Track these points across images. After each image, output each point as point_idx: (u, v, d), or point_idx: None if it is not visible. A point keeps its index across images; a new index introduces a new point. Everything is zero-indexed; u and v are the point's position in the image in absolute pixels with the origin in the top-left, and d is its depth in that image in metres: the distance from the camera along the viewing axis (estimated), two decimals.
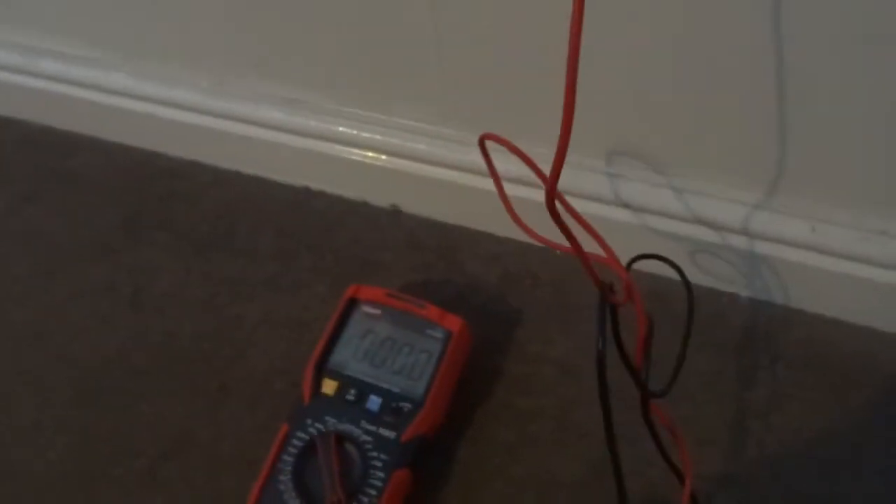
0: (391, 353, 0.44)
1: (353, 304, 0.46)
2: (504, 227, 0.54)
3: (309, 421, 0.41)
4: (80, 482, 0.44)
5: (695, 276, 0.50)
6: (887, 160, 0.41)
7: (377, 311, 0.45)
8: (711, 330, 0.48)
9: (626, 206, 0.48)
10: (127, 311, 0.51)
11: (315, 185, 0.57)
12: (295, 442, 0.41)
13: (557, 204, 0.25)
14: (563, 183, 0.49)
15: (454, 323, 0.44)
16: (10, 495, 0.44)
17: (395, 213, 0.56)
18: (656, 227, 0.48)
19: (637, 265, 0.49)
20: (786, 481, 0.42)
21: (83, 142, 0.63)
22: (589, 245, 0.29)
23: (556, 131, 0.23)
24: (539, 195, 0.26)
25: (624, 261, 0.32)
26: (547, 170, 0.25)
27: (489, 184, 0.51)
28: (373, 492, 0.39)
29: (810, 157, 0.43)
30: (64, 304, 0.52)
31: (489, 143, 0.30)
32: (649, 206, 0.48)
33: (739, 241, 0.47)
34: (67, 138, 0.63)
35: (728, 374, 0.46)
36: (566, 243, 0.27)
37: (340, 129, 0.54)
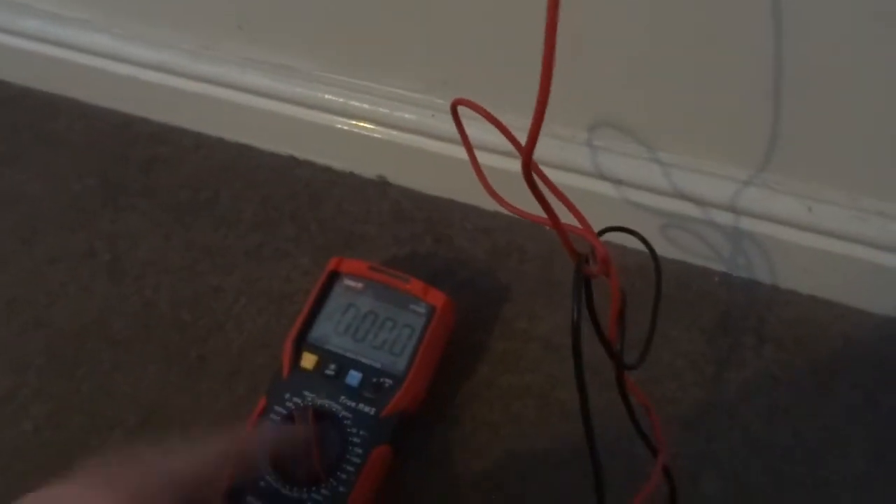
0: (373, 328, 0.43)
1: (334, 277, 0.45)
2: (492, 201, 0.52)
3: (287, 395, 0.41)
4: (57, 452, 0.44)
5: (683, 255, 0.50)
6: (886, 140, 0.40)
7: (359, 285, 0.44)
8: (699, 309, 0.48)
9: (610, 179, 0.47)
10: (105, 279, 0.50)
11: (301, 154, 0.56)
12: (273, 417, 0.40)
13: (534, 174, 0.24)
14: (545, 154, 0.48)
15: (438, 298, 0.43)
16: None
17: (381, 185, 0.54)
18: (640, 202, 0.47)
19: (625, 242, 0.49)
20: (770, 463, 0.42)
21: (64, 104, 0.61)
22: (568, 217, 0.28)
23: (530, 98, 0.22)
24: (517, 165, 0.25)
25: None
26: (524, 139, 0.24)
27: (478, 155, 0.50)
28: (351, 468, 0.38)
29: (807, 134, 0.41)
30: (42, 270, 0.51)
31: (464, 111, 0.29)
32: (634, 180, 0.47)
33: (729, 219, 0.46)
34: (48, 100, 0.62)
35: (714, 354, 0.46)
36: (544, 215, 0.26)
37: (328, 97, 0.52)
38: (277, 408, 0.40)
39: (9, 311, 0.49)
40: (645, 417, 0.36)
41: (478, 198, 0.53)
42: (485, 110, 0.30)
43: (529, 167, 0.25)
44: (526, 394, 0.45)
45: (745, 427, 0.43)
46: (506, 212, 0.52)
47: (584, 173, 0.47)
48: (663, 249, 0.50)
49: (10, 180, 0.56)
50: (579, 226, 0.29)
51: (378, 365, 0.41)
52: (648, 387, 0.44)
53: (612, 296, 0.30)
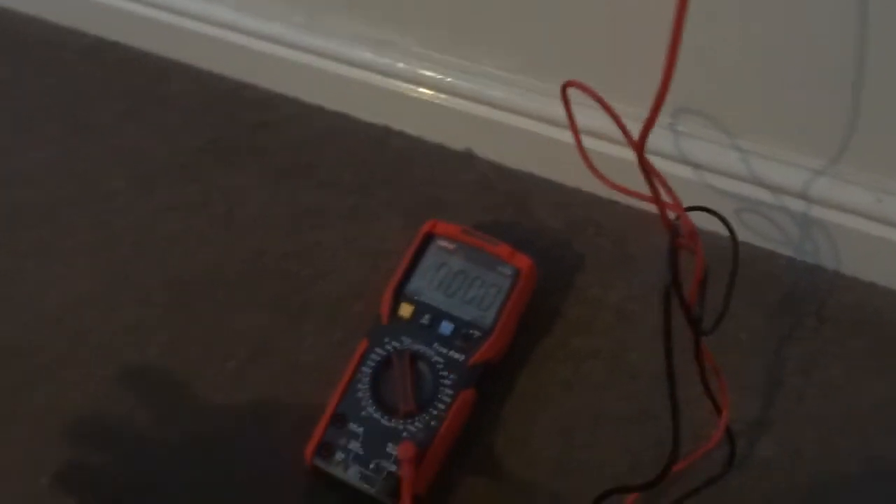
0: (463, 285, 0.47)
1: (429, 237, 0.50)
2: (572, 178, 0.56)
3: (387, 339, 0.46)
4: (178, 377, 0.49)
5: (751, 237, 0.53)
6: None
7: (452, 246, 0.49)
8: (763, 289, 0.51)
9: (689, 163, 0.50)
10: (219, 228, 0.56)
11: (395, 125, 0.61)
12: (373, 357, 0.45)
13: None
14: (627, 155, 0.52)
15: (523, 262, 0.47)
16: (115, 381, 0.50)
17: (468, 157, 0.59)
18: (717, 185, 0.50)
19: (699, 225, 0.52)
20: (822, 434, 0.45)
21: (177, 68, 0.67)
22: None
23: (637, 86, 0.26)
24: (607, 147, 0.29)
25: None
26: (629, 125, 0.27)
27: (562, 134, 0.54)
28: (441, 406, 0.43)
29: (881, 127, 0.44)
30: (161, 217, 0.57)
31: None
32: (712, 164, 0.50)
33: (800, 206, 0.49)
34: (162, 63, 0.67)
35: (775, 331, 0.49)
36: (630, 192, 0.30)
37: (425, 72, 0.57)
38: (377, 349, 0.45)
39: (134, 252, 0.55)
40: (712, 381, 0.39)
41: (558, 173, 0.57)
42: (595, 93, 0.34)
43: (643, 150, 0.29)
44: (596, 355, 0.49)
45: (802, 399, 0.47)
46: (583, 188, 0.56)
47: (665, 156, 0.50)
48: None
49: (130, 136, 0.62)
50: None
51: (468, 318, 0.46)
52: (709, 350, 0.48)
53: (696, 264, 0.34)
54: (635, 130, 0.44)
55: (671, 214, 0.34)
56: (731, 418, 0.45)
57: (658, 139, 0.50)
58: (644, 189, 0.34)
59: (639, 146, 0.29)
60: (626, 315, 0.51)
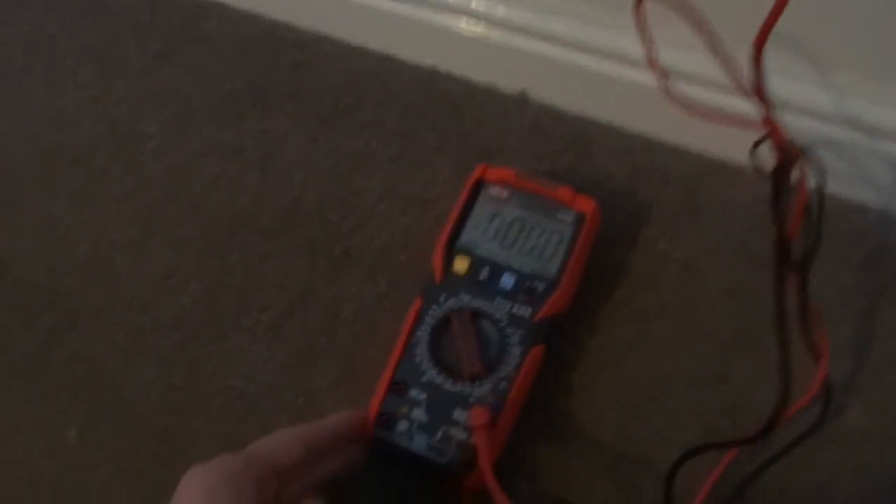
0: (521, 234, 0.43)
1: (480, 184, 0.46)
2: (637, 122, 0.51)
3: (443, 297, 0.42)
4: (213, 326, 0.47)
5: (840, 189, 0.47)
6: None
7: (505, 193, 0.45)
8: (852, 244, 0.46)
9: (780, 103, 0.45)
10: (255, 174, 0.53)
11: (443, 66, 0.56)
12: (429, 317, 0.41)
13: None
14: (711, 71, 0.47)
15: (587, 205, 0.43)
16: (149, 330, 0.47)
17: (522, 100, 0.54)
18: (808, 128, 0.45)
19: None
20: None
21: (214, 8, 0.63)
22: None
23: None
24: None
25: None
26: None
27: (626, 72, 0.49)
28: (510, 366, 0.39)
29: None
30: (195, 162, 0.54)
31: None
32: (803, 104, 0.45)
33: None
34: (198, 4, 0.64)
35: (866, 288, 0.44)
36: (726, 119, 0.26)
37: (472, 5, 0.52)
38: (433, 309, 0.41)
39: (166, 198, 0.52)
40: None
41: (620, 117, 0.52)
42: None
43: (759, 56, 0.25)
44: (664, 313, 0.45)
45: (894, 362, 0.42)
46: (648, 134, 0.52)
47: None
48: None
49: (165, 76, 0.59)
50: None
51: (529, 270, 0.42)
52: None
53: (799, 192, 0.30)
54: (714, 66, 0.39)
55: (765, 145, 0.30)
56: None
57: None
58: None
59: (756, 50, 0.25)
60: (696, 271, 0.46)
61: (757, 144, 0.31)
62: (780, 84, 0.45)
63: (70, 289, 0.49)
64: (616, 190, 0.49)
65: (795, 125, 0.46)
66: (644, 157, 0.51)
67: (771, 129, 0.28)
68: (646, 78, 0.49)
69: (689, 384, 0.42)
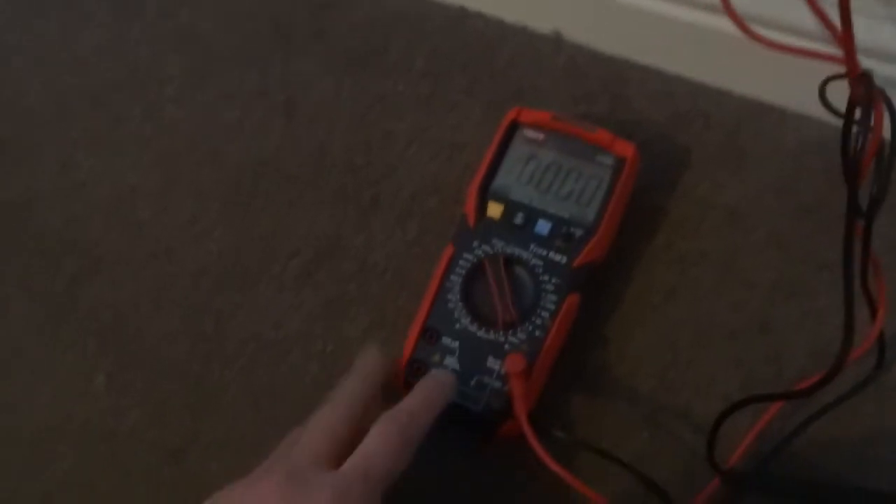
0: (557, 179, 0.41)
1: (514, 126, 0.44)
2: (676, 63, 0.49)
3: (476, 243, 0.40)
4: (241, 276, 0.46)
5: None
6: None
7: (541, 135, 0.43)
8: None
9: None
10: (279, 118, 0.51)
11: (472, 5, 0.54)
12: (462, 263, 0.40)
13: None
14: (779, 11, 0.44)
15: (626, 148, 0.41)
16: (174, 277, 0.46)
17: (555, 40, 0.52)
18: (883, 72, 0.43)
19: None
20: None
21: None
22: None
23: None
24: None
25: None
26: None
27: (666, 9, 0.47)
28: (545, 314, 0.38)
29: None
30: (217, 106, 0.52)
31: None
32: (881, 45, 0.42)
33: None
34: None
35: None
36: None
37: None
38: (466, 255, 0.40)
39: (188, 143, 0.51)
40: None
41: (659, 59, 0.49)
42: None
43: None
44: (704, 260, 0.43)
45: None
46: (689, 75, 0.49)
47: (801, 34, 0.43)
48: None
49: (185, 19, 0.57)
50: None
51: (566, 215, 0.40)
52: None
53: (875, 132, 0.28)
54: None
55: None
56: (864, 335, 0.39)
57: (800, 14, 0.43)
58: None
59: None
60: (739, 217, 0.44)
61: (827, 82, 0.29)
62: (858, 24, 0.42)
63: (92, 235, 0.48)
64: (655, 134, 0.47)
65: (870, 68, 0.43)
66: (684, 101, 0.48)
67: (850, 64, 0.26)
68: (687, 16, 0.46)
69: (729, 334, 0.41)
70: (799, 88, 0.44)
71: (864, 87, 0.25)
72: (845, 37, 0.25)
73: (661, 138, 0.47)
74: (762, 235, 0.44)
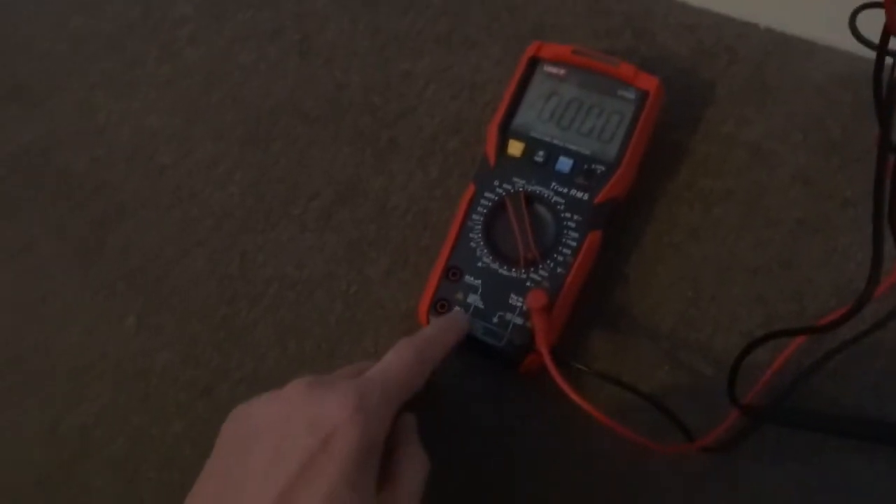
0: (579, 115, 0.41)
1: (535, 62, 0.43)
2: None
3: (497, 182, 0.40)
4: (263, 217, 0.46)
5: None
6: None
7: (562, 71, 0.42)
8: None
9: None
10: (295, 58, 0.50)
11: None
12: (483, 202, 0.40)
13: None
14: None
15: (650, 82, 0.41)
16: (197, 220, 0.47)
17: None
18: None
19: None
20: None
21: None
22: None
23: None
24: None
25: None
26: None
27: None
28: (567, 251, 0.38)
29: None
30: (232, 47, 0.52)
31: None
32: None
33: None
34: None
35: None
36: None
37: None
38: (487, 194, 0.40)
39: (206, 84, 0.51)
40: None
41: None
42: None
43: None
44: (729, 198, 0.43)
45: None
46: (714, 8, 0.48)
47: None
48: None
49: None
50: None
51: (588, 152, 0.40)
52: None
53: None
54: None
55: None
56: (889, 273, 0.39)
57: None
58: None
59: None
60: (764, 154, 0.44)
61: (859, 11, 0.28)
62: None
63: (116, 179, 0.48)
64: (679, 69, 0.46)
65: None
66: (709, 35, 0.47)
67: None
68: None
69: (752, 271, 0.41)
70: (828, 19, 0.43)
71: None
72: None
73: (685, 73, 0.46)
74: (787, 172, 0.43)
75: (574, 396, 0.34)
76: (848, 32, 0.32)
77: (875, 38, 0.26)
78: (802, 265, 0.41)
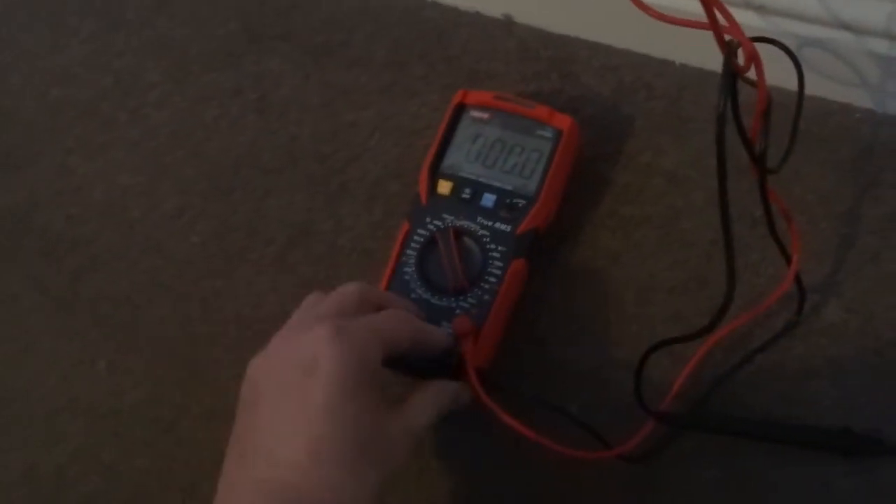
0: (502, 154, 0.45)
1: (461, 108, 0.47)
2: (621, 38, 0.52)
3: (428, 219, 0.44)
4: (222, 262, 0.50)
5: (820, 90, 0.47)
6: None
7: (485, 115, 0.46)
8: (835, 146, 0.46)
9: (752, 6, 0.45)
10: (253, 115, 0.55)
11: None
12: (416, 238, 0.44)
13: None
14: None
15: (563, 121, 0.44)
16: (163, 269, 0.50)
17: (507, 23, 0.54)
18: (789, 29, 0.45)
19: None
20: None
21: None
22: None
23: None
24: None
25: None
26: None
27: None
28: (492, 279, 0.42)
29: None
30: (196, 107, 0.56)
31: None
32: (782, 5, 0.44)
33: (881, 47, 0.43)
34: None
35: (849, 191, 0.45)
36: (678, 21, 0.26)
37: None
38: (420, 230, 0.44)
39: (171, 143, 0.55)
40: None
41: (605, 35, 0.52)
42: None
43: None
44: (647, 223, 0.46)
45: (876, 261, 0.43)
46: (634, 49, 0.52)
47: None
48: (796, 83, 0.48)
49: (161, 28, 0.61)
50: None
51: (510, 187, 0.43)
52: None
53: (759, 93, 0.31)
54: None
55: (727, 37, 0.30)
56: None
57: None
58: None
59: None
60: (680, 181, 0.47)
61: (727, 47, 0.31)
62: None
63: (89, 233, 0.52)
64: (602, 106, 0.50)
65: (776, 27, 0.45)
66: (629, 73, 0.51)
67: (713, 27, 0.28)
68: None
69: (669, 290, 0.44)
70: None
71: (727, 55, 0.28)
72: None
73: (608, 110, 0.50)
74: (701, 197, 0.46)
75: (501, 415, 0.37)
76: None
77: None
78: (716, 282, 0.44)
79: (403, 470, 0.34)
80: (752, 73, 0.32)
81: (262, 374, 0.34)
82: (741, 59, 0.30)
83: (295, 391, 0.32)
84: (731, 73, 0.29)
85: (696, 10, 0.29)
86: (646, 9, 0.33)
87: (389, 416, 0.33)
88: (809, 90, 0.47)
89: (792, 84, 0.39)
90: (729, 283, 0.30)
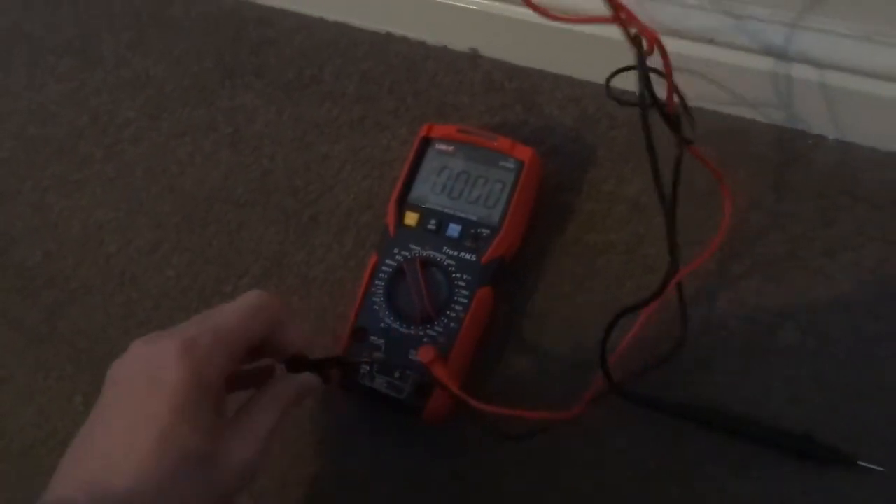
0: (467, 186, 0.46)
1: (427, 141, 0.48)
2: (583, 70, 0.53)
3: (395, 250, 0.45)
4: (197, 295, 0.51)
5: (773, 119, 0.49)
6: None
7: (450, 148, 0.48)
8: (791, 172, 0.48)
9: (702, 40, 0.47)
10: (227, 150, 0.56)
11: (397, 30, 0.58)
12: (384, 268, 0.45)
13: None
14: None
15: (524, 153, 0.46)
16: (138, 302, 0.51)
17: (473, 57, 0.56)
18: (738, 63, 0.47)
19: (719, 108, 0.49)
20: (852, 319, 0.43)
21: None
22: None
23: None
24: None
25: None
26: None
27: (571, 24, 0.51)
28: (458, 307, 0.43)
29: None
30: (170, 143, 0.57)
31: None
32: (728, 39, 0.46)
33: (832, 78, 0.45)
34: None
35: (803, 215, 0.46)
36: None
37: None
38: (388, 261, 0.45)
39: (146, 179, 0.56)
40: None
41: (568, 67, 0.54)
42: None
43: None
44: (611, 250, 0.47)
45: (830, 283, 0.44)
46: (596, 80, 0.53)
47: (678, 35, 0.47)
48: (754, 113, 0.49)
49: (137, 65, 0.62)
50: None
51: (475, 217, 0.45)
52: (732, 245, 0.46)
53: (665, 68, 0.34)
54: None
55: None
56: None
57: (658, 10, 0.47)
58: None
59: None
60: (642, 208, 0.48)
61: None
62: (714, 20, 0.46)
63: (66, 269, 0.53)
64: (565, 136, 0.52)
65: (735, 63, 0.47)
66: (591, 103, 0.53)
67: (619, 18, 0.31)
68: (587, 28, 0.50)
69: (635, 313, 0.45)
70: (705, 82, 0.48)
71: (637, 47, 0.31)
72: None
73: (571, 140, 0.51)
74: (663, 223, 0.48)
75: (470, 402, 0.39)
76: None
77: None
78: (675, 302, 0.45)
79: (241, 490, 0.35)
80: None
81: (118, 376, 0.35)
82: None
83: (138, 402, 0.33)
84: (642, 59, 0.32)
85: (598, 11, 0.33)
86: (543, 11, 0.35)
87: (224, 435, 0.34)
88: (765, 118, 0.50)
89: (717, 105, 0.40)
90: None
